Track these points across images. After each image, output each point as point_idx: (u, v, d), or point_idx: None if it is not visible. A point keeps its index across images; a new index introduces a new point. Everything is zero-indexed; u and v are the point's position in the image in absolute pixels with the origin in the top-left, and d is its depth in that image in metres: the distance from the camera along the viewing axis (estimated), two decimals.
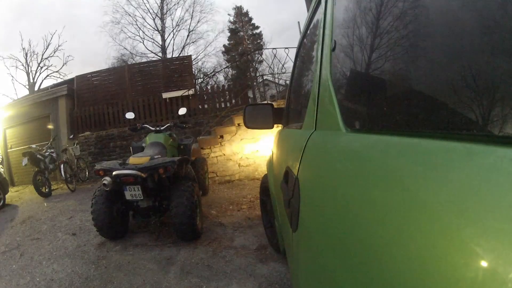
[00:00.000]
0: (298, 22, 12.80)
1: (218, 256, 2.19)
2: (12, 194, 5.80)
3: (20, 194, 6.01)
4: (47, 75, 18.02)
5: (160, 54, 17.36)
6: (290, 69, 1.93)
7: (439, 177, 0.26)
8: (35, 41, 34.73)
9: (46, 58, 17.73)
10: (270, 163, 1.80)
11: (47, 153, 5.40)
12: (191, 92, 7.05)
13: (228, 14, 21.38)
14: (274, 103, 3.66)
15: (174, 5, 17.61)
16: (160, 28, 17.54)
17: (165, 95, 7.16)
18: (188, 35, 17.95)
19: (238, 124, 4.76)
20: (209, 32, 27.10)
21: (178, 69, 8.15)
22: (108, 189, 2.33)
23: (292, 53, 6.00)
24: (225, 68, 17.23)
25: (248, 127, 1.71)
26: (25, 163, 5.12)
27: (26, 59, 17.53)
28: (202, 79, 13.65)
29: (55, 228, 3.25)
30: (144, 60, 15.77)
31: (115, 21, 17.23)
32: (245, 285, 1.78)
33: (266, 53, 17.54)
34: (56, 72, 17.72)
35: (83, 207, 3.85)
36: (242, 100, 7.18)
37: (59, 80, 14.90)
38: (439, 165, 0.27)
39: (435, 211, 0.25)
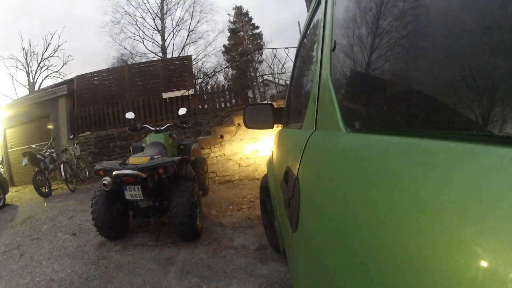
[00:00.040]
0: (298, 22, 12.81)
1: (218, 256, 2.19)
2: (12, 194, 5.80)
3: (20, 194, 6.01)
4: (47, 75, 18.05)
5: (160, 54, 17.36)
6: (290, 69, 1.93)
7: (439, 177, 0.26)
8: (35, 41, 34.79)
9: (46, 58, 17.75)
10: (270, 163, 1.80)
11: (47, 153, 5.40)
12: (191, 92, 7.05)
13: (228, 14, 21.41)
14: (274, 103, 3.66)
15: (174, 5, 17.63)
16: (160, 28, 17.55)
17: (165, 95, 7.16)
18: (188, 35, 17.97)
19: (238, 124, 4.76)
20: (209, 32, 27.12)
21: (178, 69, 8.15)
22: (108, 189, 2.33)
23: (292, 53, 6.01)
24: (225, 68, 17.24)
25: (248, 127, 1.71)
26: (25, 163, 5.12)
27: (26, 59, 17.55)
28: (202, 79, 13.65)
29: (55, 228, 3.25)
30: (144, 60, 15.78)
31: (115, 21, 17.25)
32: (245, 285, 1.78)
33: (266, 53, 17.56)
34: (56, 72, 17.74)
35: (83, 207, 3.85)
36: (242, 100, 7.18)
37: (59, 80, 14.93)
38: (439, 165, 0.27)
39: (435, 211, 0.25)
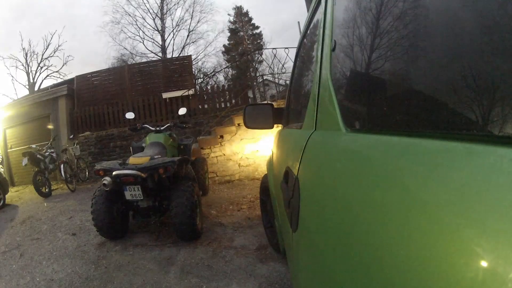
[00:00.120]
0: (298, 22, 12.81)
1: (218, 256, 2.19)
2: (12, 194, 5.80)
3: (20, 194, 6.01)
4: (47, 75, 18.04)
5: (160, 54, 17.36)
6: (290, 69, 1.93)
7: (439, 177, 0.26)
8: (35, 41, 34.72)
9: (46, 58, 17.74)
10: (270, 163, 1.80)
11: (47, 153, 5.39)
12: (191, 92, 7.05)
13: (228, 14, 21.41)
14: (274, 103, 3.66)
15: (174, 5, 17.62)
16: (160, 28, 17.55)
17: (165, 95, 7.16)
18: (188, 35, 17.97)
19: (238, 124, 4.76)
20: (209, 32, 27.12)
21: (178, 69, 8.15)
22: (108, 189, 2.33)
23: (292, 53, 6.00)
24: (225, 68, 17.24)
25: (248, 127, 1.71)
26: (25, 163, 5.12)
27: (26, 59, 17.54)
28: (202, 79, 13.64)
29: (55, 228, 3.25)
30: (144, 60, 15.78)
31: (115, 21, 17.24)
32: (245, 285, 1.78)
33: (266, 53, 17.56)
34: (56, 72, 17.73)
35: (83, 207, 3.85)
36: (242, 100, 7.18)
37: (59, 80, 14.92)
38: (439, 165, 0.27)
39: (435, 211, 0.25)
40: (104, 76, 8.14)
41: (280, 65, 11.87)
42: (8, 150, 7.79)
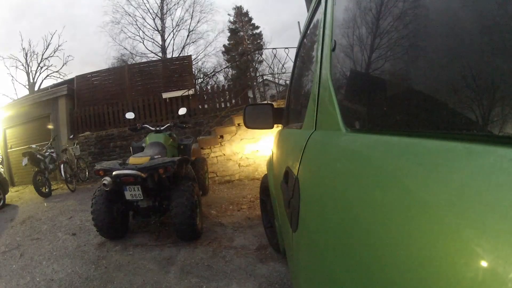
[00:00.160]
0: (298, 22, 12.82)
1: (218, 256, 2.19)
2: (12, 194, 5.80)
3: (20, 194, 6.01)
4: (47, 75, 18.05)
5: (160, 54, 17.36)
6: (290, 69, 1.93)
7: (439, 177, 0.26)
8: (35, 41, 34.78)
9: (46, 58, 17.75)
10: (270, 163, 1.80)
11: (47, 153, 5.40)
12: (191, 92, 7.05)
13: (228, 14, 21.41)
14: (274, 103, 3.66)
15: (174, 5, 17.63)
16: (160, 28, 17.55)
17: (165, 95, 7.16)
18: (188, 35, 17.97)
19: (238, 124, 4.76)
20: (209, 32, 27.16)
21: (178, 69, 8.15)
22: (108, 189, 2.33)
23: (292, 53, 6.00)
24: (225, 68, 17.25)
25: (248, 127, 1.71)
26: (25, 163, 5.12)
27: (26, 59, 17.55)
28: (202, 79, 13.65)
29: (55, 228, 3.25)
30: (144, 60, 15.79)
31: (115, 21, 17.26)
32: (245, 285, 1.78)
33: (266, 53, 17.55)
34: (56, 72, 17.74)
35: (83, 207, 3.85)
36: (242, 100, 7.18)
37: (59, 80, 14.93)
38: (439, 165, 0.27)
39: (435, 211, 0.25)
40: (104, 76, 8.14)
41: (280, 65, 11.88)
42: (8, 150, 7.79)
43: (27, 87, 17.46)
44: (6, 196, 5.02)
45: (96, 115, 7.18)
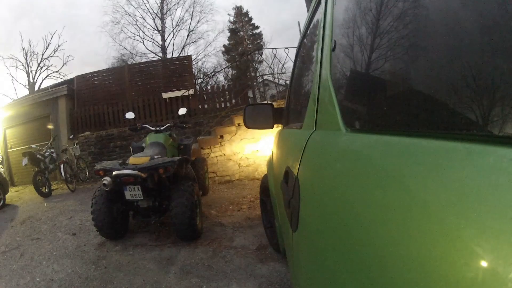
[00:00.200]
0: (298, 22, 12.82)
1: (218, 256, 2.19)
2: (12, 194, 5.80)
3: (20, 194, 6.01)
4: (47, 75, 18.05)
5: (160, 54, 17.36)
6: (290, 69, 1.93)
7: (439, 177, 0.26)
8: (35, 41, 34.81)
9: (46, 58, 17.75)
10: (270, 163, 1.80)
11: (47, 153, 5.40)
12: (191, 92, 7.05)
13: (228, 14, 21.41)
14: (274, 103, 3.66)
15: (174, 5, 17.63)
16: (160, 28, 17.55)
17: (165, 95, 7.16)
18: (188, 35, 17.97)
19: (238, 124, 4.76)
20: (209, 32, 27.19)
21: (178, 69, 8.15)
22: (108, 189, 2.33)
23: (292, 53, 6.00)
24: (225, 68, 17.25)
25: (248, 127, 1.70)
26: (25, 163, 5.12)
27: (26, 59, 17.56)
28: (202, 79, 13.65)
29: (55, 228, 3.25)
30: (144, 60, 15.80)
31: (115, 21, 17.25)
32: (245, 285, 1.78)
33: (266, 53, 17.53)
34: (56, 72, 17.75)
35: (83, 207, 3.85)
36: (242, 100, 7.18)
37: (59, 80, 14.94)
38: (439, 165, 0.27)
39: (435, 211, 0.25)
40: (104, 76, 8.14)
41: (280, 65, 11.86)
42: (8, 150, 7.79)
43: (27, 87, 17.47)
44: (6, 196, 5.02)
45: (96, 115, 7.18)
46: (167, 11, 17.56)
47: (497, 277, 0.18)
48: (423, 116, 0.35)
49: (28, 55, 17.58)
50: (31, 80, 17.61)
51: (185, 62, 8.50)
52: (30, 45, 24.56)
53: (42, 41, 24.54)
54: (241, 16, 21.32)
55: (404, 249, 0.27)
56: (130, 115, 3.61)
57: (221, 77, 19.02)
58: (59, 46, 18.21)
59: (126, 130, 6.54)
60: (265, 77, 11.00)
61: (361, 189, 0.39)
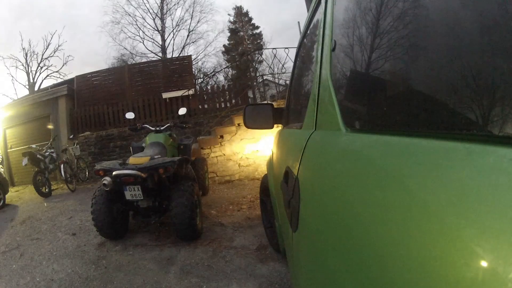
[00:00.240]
0: (298, 22, 12.82)
1: (218, 256, 2.19)
2: (12, 194, 5.80)
3: (20, 194, 6.01)
4: (47, 75, 18.05)
5: (160, 54, 17.36)
6: (290, 69, 1.93)
7: (439, 177, 0.26)
8: (35, 41, 34.81)
9: (46, 58, 17.75)
10: (270, 163, 1.80)
11: (47, 153, 5.40)
12: (191, 92, 7.05)
13: (228, 14, 21.42)
14: (274, 103, 3.66)
15: (174, 5, 17.63)
16: (160, 28, 17.55)
17: (165, 95, 7.16)
18: (188, 35, 17.97)
19: (238, 124, 4.76)
20: (209, 32, 27.17)
21: (178, 69, 8.15)
22: (108, 189, 2.33)
23: (292, 53, 6.00)
24: (225, 68, 17.24)
25: (248, 127, 1.70)
26: (25, 163, 5.12)
27: (26, 59, 17.56)
28: (202, 79, 13.66)
29: (55, 228, 3.25)
30: (144, 60, 15.80)
31: (115, 21, 17.25)
32: (245, 285, 1.78)
33: (266, 53, 17.52)
34: (56, 72, 17.74)
35: (83, 207, 3.85)
36: (242, 100, 7.18)
37: (59, 80, 14.94)
38: (439, 165, 0.27)
39: (435, 211, 0.25)
40: (104, 76, 8.14)
41: (280, 65, 11.85)
42: (8, 150, 7.79)
43: (27, 87, 17.46)
44: (6, 196, 5.02)
45: (96, 115, 7.18)
46: (167, 11, 17.58)
47: (497, 277, 0.18)
48: (423, 116, 0.35)
49: (28, 55, 17.60)
50: (31, 80, 17.62)
51: (185, 62, 8.50)
52: (30, 45, 24.56)
53: (42, 41, 24.58)
54: (241, 16, 21.32)
55: (404, 249, 0.27)
56: (130, 115, 3.61)
57: (221, 77, 19.03)
58: (59, 46, 18.23)
59: (126, 130, 6.54)
60: (265, 77, 10.99)
61: (361, 189, 0.39)
